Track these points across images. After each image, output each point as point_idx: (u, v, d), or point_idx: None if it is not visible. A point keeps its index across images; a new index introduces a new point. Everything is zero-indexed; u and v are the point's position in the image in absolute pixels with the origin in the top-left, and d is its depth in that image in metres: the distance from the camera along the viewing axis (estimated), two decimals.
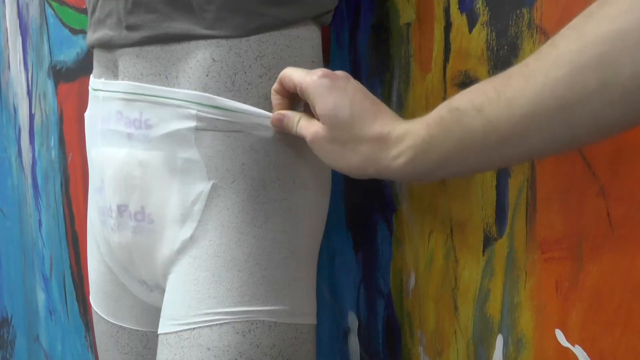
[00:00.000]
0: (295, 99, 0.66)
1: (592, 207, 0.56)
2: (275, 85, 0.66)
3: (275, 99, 0.66)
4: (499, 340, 0.66)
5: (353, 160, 0.59)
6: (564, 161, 0.58)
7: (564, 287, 0.59)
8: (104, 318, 0.85)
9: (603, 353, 0.56)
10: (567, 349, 0.59)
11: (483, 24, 0.65)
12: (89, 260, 0.86)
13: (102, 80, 0.76)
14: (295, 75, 0.63)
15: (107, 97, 0.74)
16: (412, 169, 0.55)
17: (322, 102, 0.60)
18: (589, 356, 0.57)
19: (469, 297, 0.69)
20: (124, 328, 0.83)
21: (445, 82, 0.70)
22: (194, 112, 0.67)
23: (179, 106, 0.68)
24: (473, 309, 0.69)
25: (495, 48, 0.64)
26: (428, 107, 0.72)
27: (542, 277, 0.61)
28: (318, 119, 0.61)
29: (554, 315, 0.60)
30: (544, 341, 0.61)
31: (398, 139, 0.56)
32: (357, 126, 0.58)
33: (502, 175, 0.64)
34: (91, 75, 0.80)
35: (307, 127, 0.62)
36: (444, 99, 0.70)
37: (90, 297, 0.87)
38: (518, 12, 0.61)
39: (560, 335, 0.60)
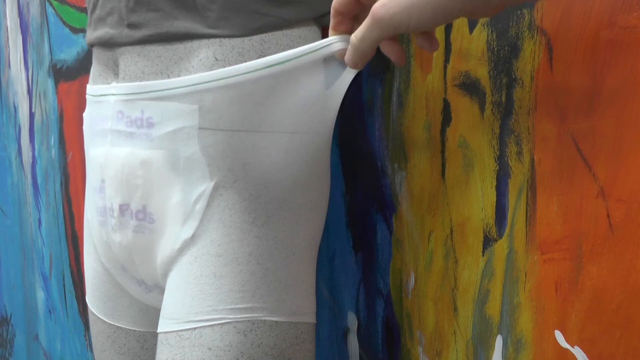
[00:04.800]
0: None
1: (592, 208, 0.56)
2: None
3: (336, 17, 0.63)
4: (499, 341, 0.66)
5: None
6: (564, 161, 0.58)
7: (563, 288, 0.59)
8: (100, 318, 0.85)
9: (602, 354, 0.56)
10: (567, 350, 0.59)
11: (484, 25, 0.65)
12: (86, 260, 0.85)
13: (100, 86, 0.75)
14: None
15: (107, 99, 0.73)
16: None
17: None
18: (588, 357, 0.57)
19: (468, 298, 0.69)
20: (121, 328, 0.83)
21: (445, 82, 0.70)
22: (196, 107, 0.67)
23: (182, 96, 0.67)
24: (472, 310, 0.69)
25: (495, 49, 0.64)
26: (428, 108, 0.73)
27: (541, 278, 0.61)
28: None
29: (554, 316, 0.60)
30: (543, 342, 0.61)
31: None
32: None
33: (502, 176, 0.64)
34: (88, 84, 0.80)
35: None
36: (444, 99, 0.70)
37: (86, 297, 0.87)
38: (519, 12, 0.61)
39: (559, 336, 0.60)
